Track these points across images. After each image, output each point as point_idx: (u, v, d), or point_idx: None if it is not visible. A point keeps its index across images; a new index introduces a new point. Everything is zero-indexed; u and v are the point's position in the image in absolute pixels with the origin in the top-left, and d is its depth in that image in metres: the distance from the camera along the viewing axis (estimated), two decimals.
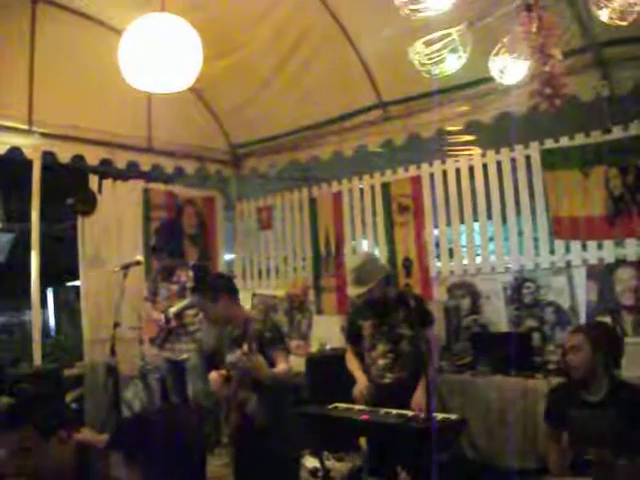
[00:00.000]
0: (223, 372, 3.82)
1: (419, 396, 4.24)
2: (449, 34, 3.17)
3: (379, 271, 4.53)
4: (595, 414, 3.16)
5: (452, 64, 3.30)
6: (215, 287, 3.98)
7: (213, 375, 3.85)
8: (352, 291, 4.50)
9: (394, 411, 4.03)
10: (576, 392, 3.29)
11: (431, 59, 3.19)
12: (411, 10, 2.84)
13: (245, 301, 7.35)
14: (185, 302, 5.59)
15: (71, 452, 2.48)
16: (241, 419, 3.68)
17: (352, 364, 4.68)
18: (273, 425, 3.65)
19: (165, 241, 5.76)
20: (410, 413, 3.96)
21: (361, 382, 4.48)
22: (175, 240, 5.93)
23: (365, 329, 4.60)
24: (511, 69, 3.42)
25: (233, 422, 3.73)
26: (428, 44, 3.18)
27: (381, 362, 4.49)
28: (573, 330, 3.60)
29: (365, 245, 7.03)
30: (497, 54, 3.43)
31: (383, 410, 4.10)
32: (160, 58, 3.81)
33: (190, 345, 5.72)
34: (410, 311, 4.32)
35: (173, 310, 5.63)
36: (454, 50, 3.21)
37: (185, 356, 5.71)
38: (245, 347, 3.49)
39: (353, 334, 4.73)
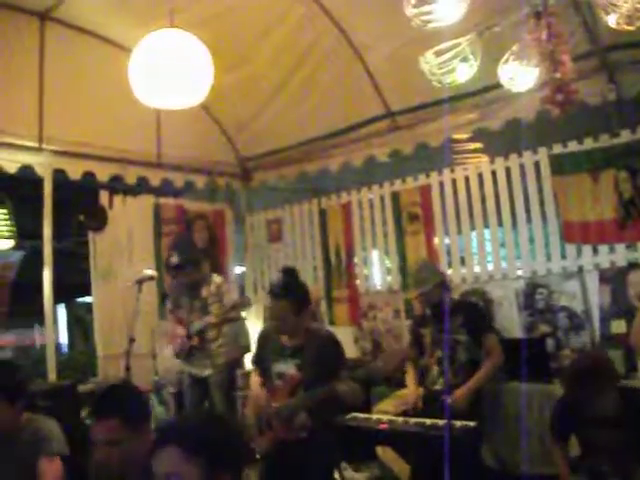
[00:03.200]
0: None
1: (460, 392, 4.31)
2: (459, 43, 3.20)
3: (436, 275, 4.70)
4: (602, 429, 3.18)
5: (463, 73, 3.33)
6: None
7: (257, 391, 3.83)
8: (411, 293, 4.63)
9: (412, 420, 4.04)
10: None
11: (442, 68, 3.22)
12: (422, 21, 2.86)
13: (258, 314, 7.39)
14: (207, 319, 5.56)
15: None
16: (287, 432, 3.62)
17: (409, 372, 4.81)
18: (317, 436, 3.60)
19: (185, 258, 5.71)
20: (428, 422, 3.95)
21: (412, 390, 4.61)
22: (193, 254, 5.87)
23: (425, 336, 4.70)
24: (521, 76, 3.44)
25: (273, 435, 3.68)
26: (438, 54, 3.21)
27: (437, 368, 4.55)
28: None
29: (376, 255, 7.04)
30: (506, 62, 3.45)
31: (401, 419, 4.11)
32: (170, 74, 3.85)
33: (214, 361, 5.69)
34: (467, 318, 4.40)
35: (195, 327, 5.62)
36: (464, 59, 3.24)
37: (208, 372, 5.68)
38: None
39: (414, 341, 4.85)
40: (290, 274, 3.82)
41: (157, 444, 1.91)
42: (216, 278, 5.81)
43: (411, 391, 4.60)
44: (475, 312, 4.60)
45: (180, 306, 5.82)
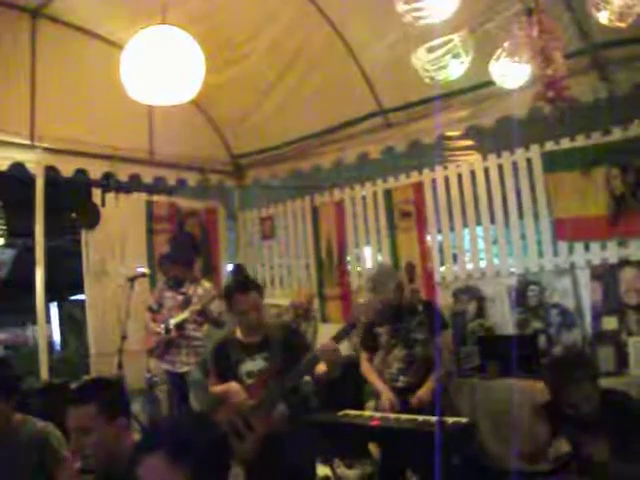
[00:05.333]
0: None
1: (422, 392, 4.34)
2: (451, 40, 3.20)
3: (393, 278, 4.68)
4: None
5: (455, 69, 3.33)
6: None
7: (234, 386, 3.78)
8: (369, 298, 4.61)
9: (404, 416, 4.04)
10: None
11: (434, 65, 3.22)
12: (414, 17, 2.87)
13: None
14: (187, 313, 5.55)
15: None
16: (266, 429, 3.60)
17: (371, 374, 4.75)
18: (293, 434, 3.58)
19: (180, 253, 5.71)
20: (420, 418, 3.96)
21: (387, 393, 4.53)
22: (189, 253, 5.88)
23: (381, 335, 4.68)
24: (513, 73, 3.45)
25: (255, 434, 3.66)
26: (430, 50, 3.21)
27: (396, 366, 4.56)
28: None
29: (368, 252, 7.05)
30: (498, 59, 3.46)
31: (393, 415, 4.12)
32: (162, 71, 3.84)
33: (192, 358, 5.68)
34: (424, 317, 4.42)
35: (174, 321, 5.60)
36: (456, 56, 3.24)
37: (186, 369, 5.66)
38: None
39: (369, 340, 4.80)
40: (239, 272, 3.92)
41: (141, 451, 1.87)
42: (205, 283, 5.81)
43: (388, 393, 4.54)
44: (431, 310, 4.63)
45: (162, 304, 5.82)
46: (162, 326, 5.64)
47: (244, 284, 3.89)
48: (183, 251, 5.75)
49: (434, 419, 3.85)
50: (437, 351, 4.43)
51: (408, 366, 4.53)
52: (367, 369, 4.78)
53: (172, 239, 6.43)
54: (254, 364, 3.74)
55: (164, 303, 5.84)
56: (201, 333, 5.74)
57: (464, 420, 4.05)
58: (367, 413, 4.42)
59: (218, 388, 3.84)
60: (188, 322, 5.57)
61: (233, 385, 3.73)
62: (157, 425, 2.31)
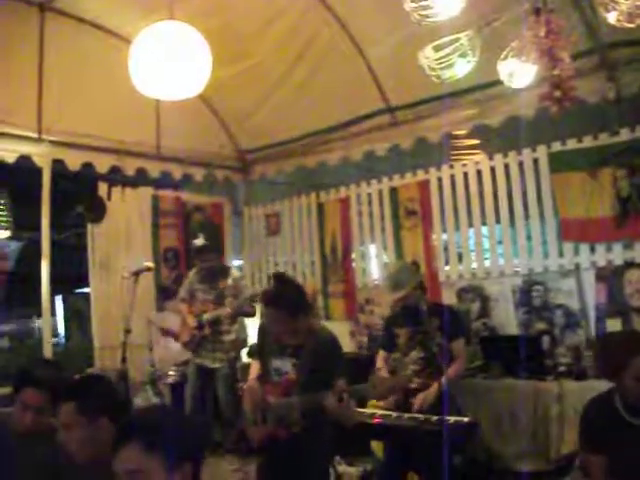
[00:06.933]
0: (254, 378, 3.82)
1: (427, 394, 4.29)
2: (458, 39, 3.19)
3: (414, 277, 4.66)
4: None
5: (461, 68, 3.32)
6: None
7: (251, 383, 3.82)
8: (389, 296, 4.59)
9: (406, 415, 4.04)
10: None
11: (441, 64, 3.22)
12: (421, 15, 2.86)
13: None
14: (221, 311, 5.56)
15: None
16: (280, 430, 3.59)
17: (383, 371, 4.75)
18: (310, 434, 3.55)
19: (209, 242, 5.70)
20: (422, 417, 3.96)
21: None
22: (221, 242, 5.89)
23: (400, 336, 4.67)
24: (520, 73, 3.44)
25: (266, 430, 3.67)
26: (437, 49, 3.21)
27: (411, 368, 4.55)
28: None
29: (373, 250, 7.05)
30: (505, 58, 3.45)
31: (395, 414, 4.12)
32: (169, 65, 3.85)
33: (224, 355, 5.71)
34: (443, 321, 4.41)
35: (207, 317, 5.63)
36: (463, 54, 3.24)
37: (218, 365, 5.69)
38: (339, 392, 3.36)
39: (387, 340, 4.81)
40: (281, 280, 3.80)
41: (118, 442, 1.93)
42: (235, 272, 5.84)
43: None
44: (451, 316, 4.61)
45: (194, 296, 5.84)
46: (196, 321, 5.68)
47: (264, 299, 3.77)
48: (217, 241, 5.74)
49: (436, 418, 3.86)
50: (445, 353, 4.39)
51: (423, 369, 4.51)
52: (381, 367, 4.79)
53: (199, 228, 6.41)
54: (282, 364, 3.70)
55: (196, 295, 5.87)
56: (234, 329, 5.78)
57: (466, 419, 4.05)
58: (369, 411, 4.42)
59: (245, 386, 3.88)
60: (221, 320, 5.60)
61: (251, 384, 3.81)
62: (131, 416, 2.34)
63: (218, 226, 7.57)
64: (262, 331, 3.95)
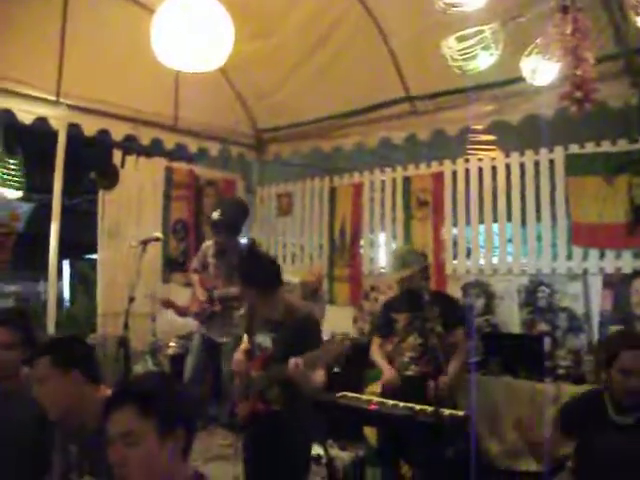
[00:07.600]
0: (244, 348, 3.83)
1: (444, 380, 4.26)
2: (482, 31, 3.16)
3: (419, 260, 4.68)
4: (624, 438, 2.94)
5: (484, 61, 3.29)
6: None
7: (238, 356, 3.85)
8: (392, 276, 4.59)
9: (402, 404, 4.04)
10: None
11: (463, 55, 3.19)
12: (446, 4, 2.83)
13: None
14: (232, 289, 5.57)
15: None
16: (259, 404, 3.64)
17: (377, 355, 4.78)
18: (291, 411, 3.57)
19: (224, 219, 5.69)
20: (418, 407, 3.96)
21: (390, 373, 4.58)
22: (237, 220, 5.86)
23: (398, 321, 4.67)
24: (543, 70, 3.40)
25: (249, 406, 3.70)
26: (461, 40, 3.18)
27: (408, 354, 4.57)
28: None
29: (382, 238, 7.03)
30: (529, 54, 3.41)
31: (391, 402, 4.12)
32: (192, 37, 3.83)
33: (231, 329, 5.70)
34: (444, 309, 4.41)
35: (218, 293, 5.67)
36: (486, 47, 3.20)
37: (224, 339, 5.72)
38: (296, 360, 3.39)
39: (385, 325, 4.81)
40: (251, 255, 3.81)
41: (111, 405, 1.98)
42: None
43: (390, 373, 4.58)
44: (451, 305, 4.60)
45: (206, 268, 5.87)
46: (206, 295, 5.72)
47: (241, 275, 3.77)
48: (231, 218, 5.73)
49: (431, 409, 3.85)
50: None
51: (421, 356, 4.53)
52: (376, 353, 4.80)
53: (218, 203, 6.39)
54: (264, 339, 3.74)
55: (208, 268, 5.91)
56: (244, 305, 5.79)
57: (461, 413, 4.04)
58: (365, 397, 4.42)
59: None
60: (230, 297, 5.62)
61: (238, 356, 3.83)
62: (125, 381, 2.40)
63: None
64: (250, 307, 3.97)
